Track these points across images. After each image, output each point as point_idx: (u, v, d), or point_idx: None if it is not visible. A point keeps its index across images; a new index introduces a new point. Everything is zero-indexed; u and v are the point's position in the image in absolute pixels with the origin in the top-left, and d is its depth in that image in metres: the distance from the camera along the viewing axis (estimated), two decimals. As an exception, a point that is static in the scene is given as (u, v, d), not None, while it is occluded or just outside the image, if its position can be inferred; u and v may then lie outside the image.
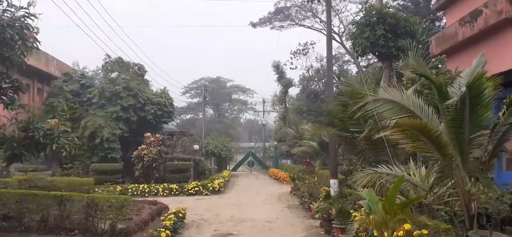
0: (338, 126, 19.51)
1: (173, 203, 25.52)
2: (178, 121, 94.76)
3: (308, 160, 34.87)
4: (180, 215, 16.33)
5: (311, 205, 19.91)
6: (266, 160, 73.96)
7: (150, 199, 21.90)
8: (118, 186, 30.75)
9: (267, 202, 26.87)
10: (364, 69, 39.19)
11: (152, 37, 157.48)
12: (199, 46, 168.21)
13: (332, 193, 20.16)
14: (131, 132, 35.44)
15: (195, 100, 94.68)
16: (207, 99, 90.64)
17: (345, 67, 55.48)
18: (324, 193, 19.36)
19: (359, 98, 15.90)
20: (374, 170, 12.99)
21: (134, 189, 30.87)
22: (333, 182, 21.64)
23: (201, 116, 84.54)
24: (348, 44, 42.05)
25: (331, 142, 22.32)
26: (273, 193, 32.61)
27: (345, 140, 20.10)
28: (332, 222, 14.39)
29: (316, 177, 28.69)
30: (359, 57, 27.96)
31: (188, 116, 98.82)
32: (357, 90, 17.59)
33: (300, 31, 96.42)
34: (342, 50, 52.42)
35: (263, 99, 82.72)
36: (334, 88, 54.32)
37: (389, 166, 13.17)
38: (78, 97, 34.69)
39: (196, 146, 43.28)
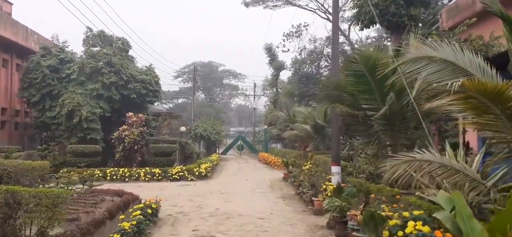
0: (347, 102, 15.21)
1: (152, 191, 21.40)
2: (171, 105, 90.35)
3: (305, 144, 30.58)
4: (149, 211, 11.70)
5: (313, 199, 15.44)
6: (256, 144, 70.14)
7: (118, 187, 17.25)
8: (96, 170, 26.33)
9: (258, 190, 22.39)
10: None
11: (143, 20, 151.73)
12: (191, 29, 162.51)
13: (334, 181, 16.11)
14: (113, 112, 30.80)
15: (187, 84, 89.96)
16: (199, 83, 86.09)
17: (340, 49, 51.61)
18: (329, 185, 14.88)
19: (382, 64, 11.67)
20: (411, 156, 8.46)
21: (113, 173, 26.58)
22: (336, 170, 17.58)
23: (190, 99, 79.98)
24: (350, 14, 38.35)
25: (335, 122, 18.27)
26: (264, 179, 28.22)
27: (356, 119, 15.84)
28: (349, 225, 9.93)
29: (309, 162, 24.49)
30: (364, 29, 23.62)
31: (180, 100, 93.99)
32: (375, 55, 13.33)
33: (293, 12, 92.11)
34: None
35: (254, 83, 78.53)
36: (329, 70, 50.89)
37: (418, 151, 8.65)
38: (56, 73, 29.85)
39: (182, 128, 38.62)
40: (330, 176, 17.70)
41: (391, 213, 9.07)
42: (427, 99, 9.64)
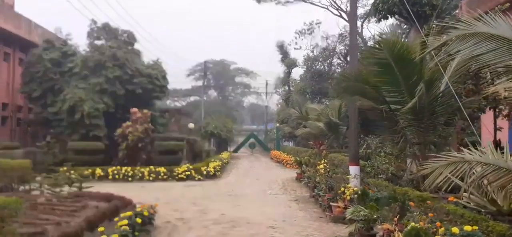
0: (369, 95, 13.35)
1: (155, 192, 19.73)
2: (183, 103, 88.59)
3: (320, 142, 28.73)
4: (138, 220, 9.78)
5: (331, 204, 13.53)
6: (267, 142, 68.70)
7: (120, 187, 15.40)
8: (98, 169, 24.65)
9: (270, 192, 20.54)
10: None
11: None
12: (204, 27, 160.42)
13: (353, 184, 14.57)
14: (118, 108, 29.11)
15: (199, 82, 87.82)
16: (211, 81, 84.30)
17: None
18: (348, 187, 12.99)
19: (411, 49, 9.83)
20: (459, 156, 6.59)
21: (115, 172, 24.84)
22: (354, 170, 15.76)
23: (204, 98, 78.20)
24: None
25: (352, 118, 16.51)
26: (276, 178, 26.35)
27: (379, 114, 14.03)
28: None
29: (323, 161, 22.67)
30: (382, 20, 21.65)
31: (192, 98, 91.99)
32: (401, 42, 11.51)
33: (306, 9, 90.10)
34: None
35: (266, 81, 76.51)
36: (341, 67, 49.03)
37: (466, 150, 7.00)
38: (59, 67, 28.20)
39: (191, 125, 36.75)
40: (346, 177, 16.01)
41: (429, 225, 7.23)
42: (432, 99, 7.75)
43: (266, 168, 36.33)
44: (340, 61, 50.51)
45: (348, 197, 12.44)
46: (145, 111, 27.12)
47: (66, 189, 13.19)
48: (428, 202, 9.27)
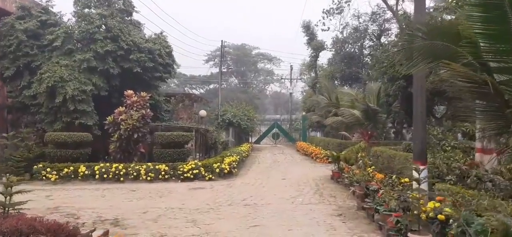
0: (471, 55, 8.02)
1: (147, 200, 14.87)
2: (202, 90, 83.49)
3: (370, 132, 23.63)
4: None
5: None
6: (292, 133, 63.73)
7: (108, 189, 10.20)
8: (82, 166, 19.60)
9: (301, 199, 15.04)
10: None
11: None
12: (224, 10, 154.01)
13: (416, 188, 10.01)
14: (112, 91, 23.85)
15: (218, 69, 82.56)
16: (231, 67, 78.88)
17: (386, 26, 45.02)
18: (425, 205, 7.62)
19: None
20: None
21: (103, 170, 19.71)
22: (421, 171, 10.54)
23: (224, 85, 72.74)
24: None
25: (417, 97, 11.48)
26: (307, 178, 20.91)
27: (483, 91, 8.58)
28: None
29: (361, 156, 17.66)
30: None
31: (211, 86, 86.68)
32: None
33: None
34: (384, 6, 39.99)
35: (291, 65, 71.27)
36: (372, 48, 43.45)
37: None
38: (36, 40, 22.89)
39: (202, 112, 31.04)
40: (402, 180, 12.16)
41: None
42: None
43: (292, 162, 30.81)
44: (372, 43, 45.53)
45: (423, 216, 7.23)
46: (143, 93, 21.81)
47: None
48: None
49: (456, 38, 8.37)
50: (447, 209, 8.37)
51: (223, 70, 65.08)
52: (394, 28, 42.02)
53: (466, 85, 9.12)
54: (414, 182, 11.77)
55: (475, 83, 8.63)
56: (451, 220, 8.00)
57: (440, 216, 8.29)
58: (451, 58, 8.67)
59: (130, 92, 21.56)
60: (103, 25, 23.09)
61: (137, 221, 11.40)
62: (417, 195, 8.62)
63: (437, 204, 8.80)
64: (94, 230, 9.15)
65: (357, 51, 47.48)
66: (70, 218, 11.62)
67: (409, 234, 8.07)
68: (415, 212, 8.09)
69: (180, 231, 10.36)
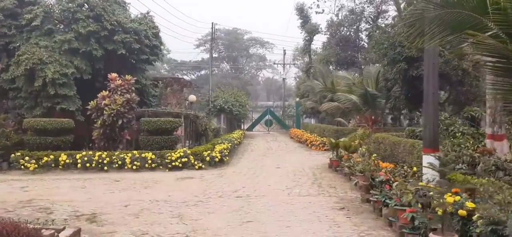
0: (499, 24, 6.79)
1: (130, 191, 14.03)
2: (193, 76, 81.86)
3: (373, 118, 22.61)
4: None
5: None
6: (285, 119, 62.83)
7: (91, 178, 9.01)
8: (63, 155, 18.33)
9: (298, 190, 13.85)
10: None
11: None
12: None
13: (426, 179, 10.16)
14: (96, 74, 22.49)
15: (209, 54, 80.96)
16: (223, 52, 77.41)
17: (383, 8, 43.81)
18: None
19: None
20: None
21: (86, 159, 18.44)
22: (431, 161, 9.31)
23: (215, 71, 71.22)
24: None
25: (430, 77, 10.34)
26: (302, 166, 19.77)
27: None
28: None
29: (362, 143, 16.72)
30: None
31: (202, 72, 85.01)
32: None
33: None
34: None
35: (284, 50, 69.89)
36: (369, 30, 42.31)
37: None
38: (14, 20, 21.50)
39: (192, 97, 29.69)
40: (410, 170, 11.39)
41: None
42: None
43: (286, 150, 29.60)
44: (369, 26, 44.37)
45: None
46: (128, 77, 20.49)
47: None
48: None
49: (479, 6, 7.22)
50: (468, 203, 7.20)
51: (214, 55, 63.72)
52: (391, 10, 40.90)
53: (491, 60, 7.97)
54: (424, 172, 10.68)
55: (503, 58, 7.47)
56: (474, 216, 6.87)
57: (460, 212, 7.12)
58: (473, 29, 7.51)
59: (114, 75, 20.21)
60: (85, 4, 21.77)
61: (116, 216, 10.20)
62: (439, 188, 7.44)
63: (457, 198, 7.64)
64: (63, 228, 7.93)
65: (353, 34, 45.75)
66: (42, 212, 10.51)
67: (431, 234, 6.88)
68: (438, 209, 6.90)
69: (164, 228, 9.18)
